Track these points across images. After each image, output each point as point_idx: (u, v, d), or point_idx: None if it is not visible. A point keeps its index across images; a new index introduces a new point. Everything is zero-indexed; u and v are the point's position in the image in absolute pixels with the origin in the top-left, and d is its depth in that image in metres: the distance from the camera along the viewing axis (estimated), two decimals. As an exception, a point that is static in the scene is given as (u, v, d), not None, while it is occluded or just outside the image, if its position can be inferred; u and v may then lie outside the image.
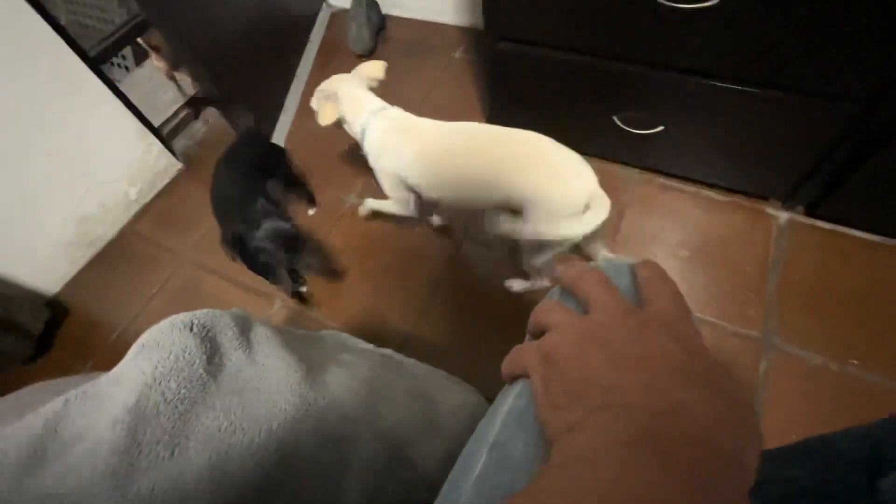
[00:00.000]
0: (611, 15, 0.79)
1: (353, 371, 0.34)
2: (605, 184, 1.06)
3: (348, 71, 0.94)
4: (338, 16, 1.63)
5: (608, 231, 0.98)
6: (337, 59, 1.50)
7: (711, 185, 1.02)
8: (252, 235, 0.79)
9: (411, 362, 0.44)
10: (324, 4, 1.61)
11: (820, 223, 0.95)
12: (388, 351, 0.46)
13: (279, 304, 1.04)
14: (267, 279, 0.90)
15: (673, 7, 0.71)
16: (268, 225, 0.79)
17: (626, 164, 1.08)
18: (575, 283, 0.26)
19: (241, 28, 1.27)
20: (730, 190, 1.00)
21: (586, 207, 0.72)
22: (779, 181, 0.92)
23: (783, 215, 0.97)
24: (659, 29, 0.76)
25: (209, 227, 1.17)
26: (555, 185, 0.72)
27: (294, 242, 0.82)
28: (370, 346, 0.47)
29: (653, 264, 0.27)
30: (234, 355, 0.30)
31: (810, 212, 0.95)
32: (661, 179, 1.05)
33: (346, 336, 0.49)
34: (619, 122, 0.95)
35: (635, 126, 0.94)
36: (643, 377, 0.20)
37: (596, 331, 0.22)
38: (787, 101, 0.78)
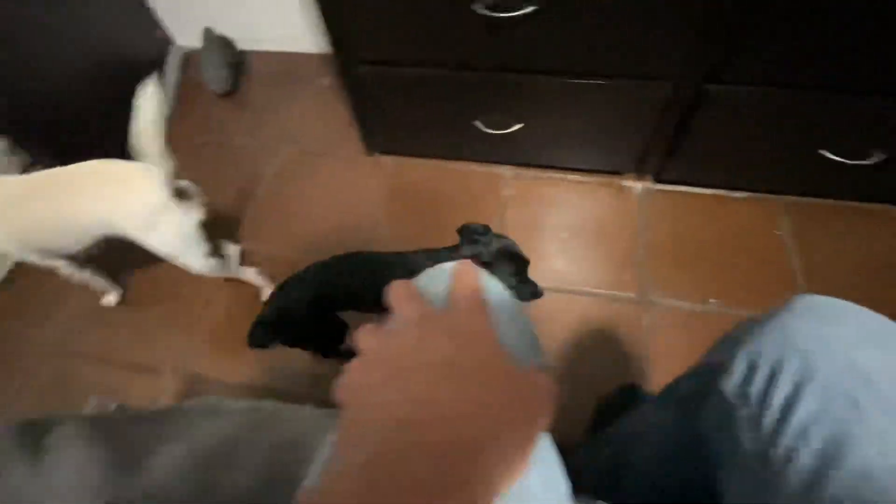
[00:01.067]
0: (444, 29, 0.84)
1: (193, 445, 0.31)
2: (485, 185, 1.13)
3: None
4: (193, 56, 1.54)
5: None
6: (201, 101, 1.43)
7: (575, 170, 1.11)
8: None
9: (291, 409, 0.43)
10: (171, 47, 1.52)
11: (668, 187, 1.07)
12: (267, 403, 0.44)
13: (169, 376, 0.95)
14: None
15: (492, 16, 0.77)
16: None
17: (498, 163, 1.15)
18: (389, 299, 0.27)
19: (76, 81, 1.16)
20: (590, 171, 1.10)
21: (178, 201, 0.78)
22: (626, 157, 1.04)
23: (638, 186, 1.08)
24: (489, 36, 0.82)
25: (75, 307, 1.04)
26: (127, 197, 0.76)
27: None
28: (243, 405, 0.44)
29: (463, 266, 0.28)
30: (13, 470, 0.27)
31: (658, 179, 1.08)
32: (533, 172, 1.13)
33: (216, 399, 0.45)
34: (482, 126, 1.01)
35: (497, 127, 1.00)
36: (409, 387, 0.21)
37: (382, 350, 0.23)
38: (613, 87, 0.87)
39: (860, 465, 0.24)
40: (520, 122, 0.99)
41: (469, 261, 0.29)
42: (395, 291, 0.26)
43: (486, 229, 0.72)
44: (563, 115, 0.97)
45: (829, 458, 0.25)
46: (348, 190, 1.17)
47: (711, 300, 0.91)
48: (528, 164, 1.14)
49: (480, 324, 0.24)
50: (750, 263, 0.95)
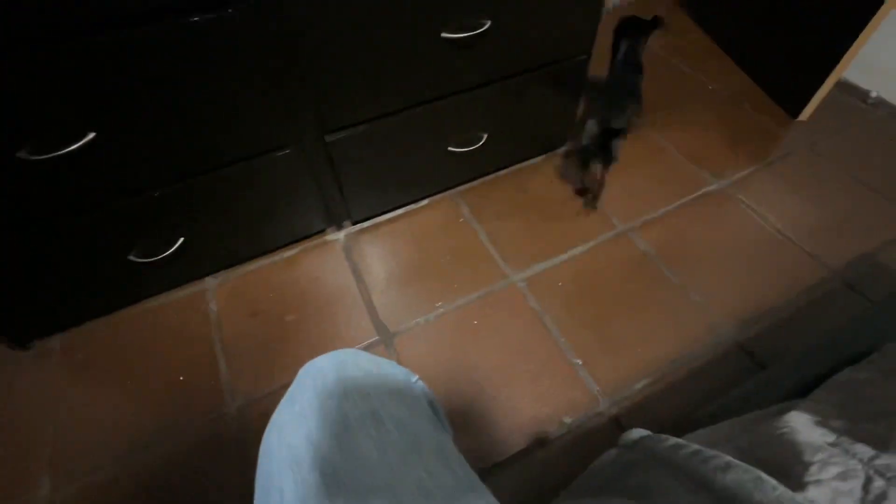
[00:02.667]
0: (409, 65, 0.84)
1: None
2: (185, 311, 0.96)
3: None
4: None
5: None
6: None
7: (275, 249, 1.08)
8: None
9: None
10: None
11: (367, 224, 1.13)
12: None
13: None
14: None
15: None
16: None
17: (191, 280, 1.03)
18: None
19: None
20: (291, 243, 1.09)
21: None
22: (315, 216, 1.05)
23: (340, 235, 1.11)
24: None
25: None
26: None
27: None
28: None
29: None
30: None
31: (355, 221, 1.13)
32: (235, 270, 1.05)
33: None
34: (138, 258, 0.88)
35: (158, 252, 0.89)
36: None
37: None
38: (253, 167, 0.87)
39: None
40: (181, 236, 0.90)
41: None
42: None
43: None
44: (226, 209, 0.92)
45: None
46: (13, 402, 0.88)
47: (438, 304, 0.98)
48: (227, 266, 1.05)
49: None
50: (455, 257, 1.07)
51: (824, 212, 1.11)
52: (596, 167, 1.08)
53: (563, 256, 1.05)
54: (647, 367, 0.88)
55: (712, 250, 1.05)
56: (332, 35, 0.75)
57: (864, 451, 0.23)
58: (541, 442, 0.80)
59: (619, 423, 0.82)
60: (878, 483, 0.21)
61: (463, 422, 0.83)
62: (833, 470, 0.22)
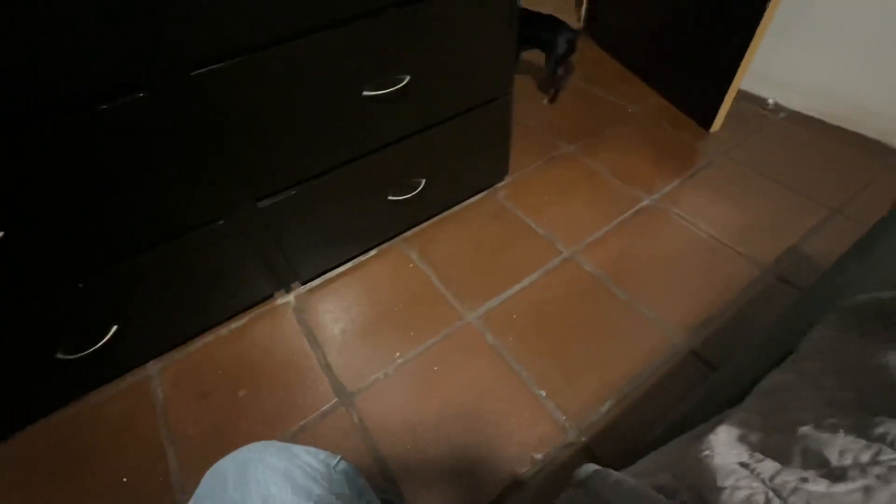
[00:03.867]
0: (334, 125, 0.86)
1: None
2: (129, 401, 0.88)
3: None
4: None
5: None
6: None
7: (223, 321, 1.04)
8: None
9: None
10: None
11: (316, 282, 1.11)
12: None
13: None
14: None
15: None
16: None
17: (133, 368, 0.97)
18: None
19: None
20: (240, 312, 1.05)
21: None
22: (261, 283, 1.02)
23: (290, 298, 1.09)
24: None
25: None
26: None
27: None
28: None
29: None
30: None
31: (304, 281, 1.11)
32: (180, 351, 1.00)
33: None
34: (66, 356, 0.82)
35: (89, 344, 0.84)
36: None
37: None
38: (185, 244, 0.84)
39: None
40: (114, 325, 0.85)
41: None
42: None
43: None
44: (162, 289, 0.88)
45: None
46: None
47: (396, 355, 0.96)
48: (170, 347, 1.00)
49: None
50: (410, 303, 1.06)
51: (748, 212, 1.19)
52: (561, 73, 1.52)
53: (516, 288, 1.06)
54: (609, 388, 0.88)
55: (654, 263, 1.10)
56: (251, 106, 0.75)
57: (768, 468, 0.24)
58: (516, 484, 0.78)
59: (590, 451, 0.81)
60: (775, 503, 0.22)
61: (434, 474, 0.80)
62: (739, 495, 0.23)
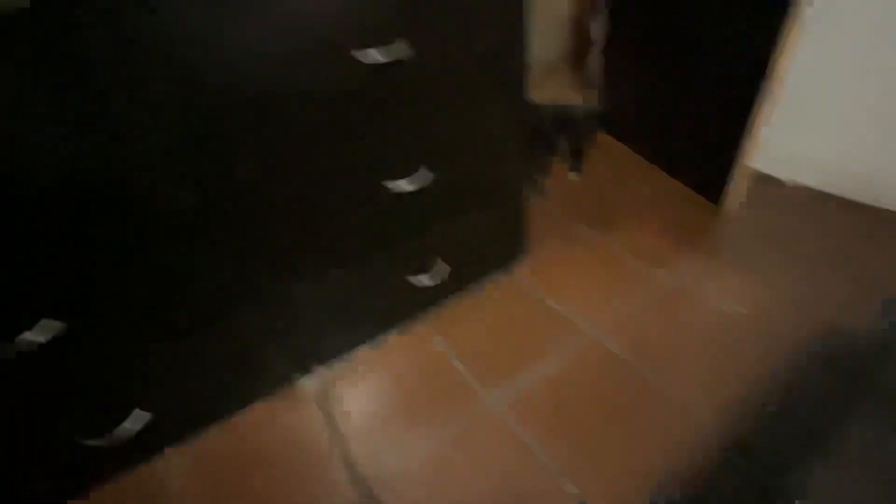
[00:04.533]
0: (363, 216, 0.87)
1: None
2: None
3: None
4: None
5: None
6: None
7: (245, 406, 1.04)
8: None
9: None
10: None
11: (338, 365, 1.11)
12: None
13: None
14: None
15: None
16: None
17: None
18: None
19: None
20: (261, 397, 1.05)
21: None
22: (285, 366, 1.03)
23: (312, 380, 1.08)
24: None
25: None
26: None
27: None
28: None
29: None
30: None
31: (324, 362, 1.11)
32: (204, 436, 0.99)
33: None
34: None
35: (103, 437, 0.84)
36: None
37: None
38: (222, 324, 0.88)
39: None
40: (138, 407, 0.86)
41: None
42: None
43: None
44: (194, 374, 0.90)
45: None
46: None
47: (419, 442, 0.92)
48: (187, 436, 0.99)
49: None
50: (431, 386, 1.04)
51: (774, 289, 1.16)
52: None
53: (540, 372, 1.04)
54: (644, 481, 0.82)
55: (682, 343, 1.06)
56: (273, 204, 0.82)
57: None
58: None
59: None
60: None
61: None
62: None
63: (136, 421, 0.85)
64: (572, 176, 1.61)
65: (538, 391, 0.99)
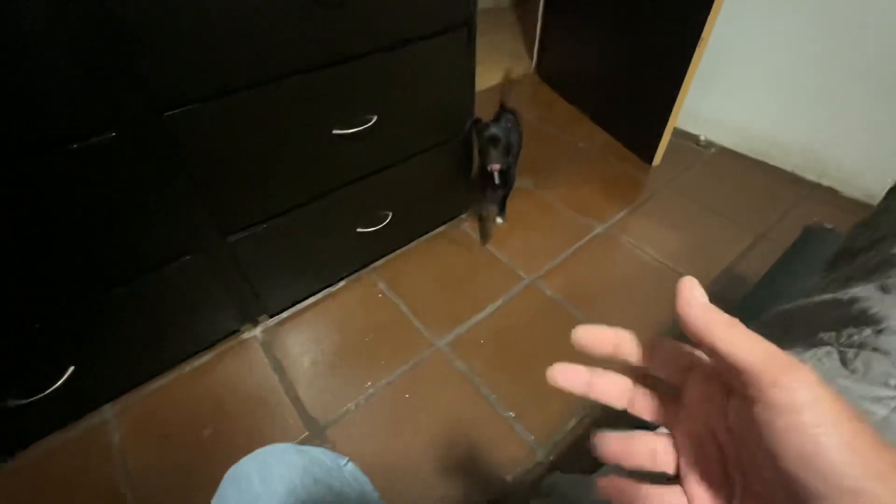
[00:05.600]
0: (305, 162, 0.89)
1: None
2: (82, 450, 0.84)
3: None
4: None
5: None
6: None
7: (183, 360, 1.01)
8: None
9: None
10: None
11: (284, 314, 1.11)
12: None
13: None
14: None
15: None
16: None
17: (88, 412, 0.93)
18: None
19: None
20: (202, 350, 1.03)
21: None
22: (229, 318, 1.02)
23: (257, 332, 1.08)
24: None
25: None
26: None
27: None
28: None
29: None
30: None
31: (271, 314, 1.11)
32: (137, 393, 0.96)
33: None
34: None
35: (37, 391, 0.80)
36: None
37: None
38: (160, 281, 0.84)
39: None
40: (71, 365, 0.82)
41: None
42: None
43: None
44: (126, 326, 0.86)
45: None
46: None
47: (367, 385, 0.97)
48: (128, 389, 0.96)
49: None
50: (379, 333, 1.07)
51: (687, 238, 1.31)
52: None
53: (481, 315, 1.11)
54: (572, 406, 0.93)
55: (609, 286, 1.18)
56: (222, 146, 0.78)
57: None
58: (488, 506, 0.80)
59: (557, 468, 0.84)
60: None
61: (409, 503, 0.80)
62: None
63: (71, 376, 0.82)
64: (500, 221, 1.36)
65: (481, 333, 1.07)
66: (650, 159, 1.58)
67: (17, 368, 0.77)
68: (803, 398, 0.16)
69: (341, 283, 1.19)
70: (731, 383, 0.19)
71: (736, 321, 0.19)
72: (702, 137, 1.68)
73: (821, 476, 0.15)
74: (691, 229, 1.33)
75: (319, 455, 0.44)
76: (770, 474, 0.17)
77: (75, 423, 0.92)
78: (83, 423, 0.92)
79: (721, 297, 1.13)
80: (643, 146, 1.60)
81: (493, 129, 1.11)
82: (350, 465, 0.47)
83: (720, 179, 1.52)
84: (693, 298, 0.21)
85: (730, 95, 1.57)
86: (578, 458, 0.85)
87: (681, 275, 1.09)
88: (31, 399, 0.79)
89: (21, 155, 0.61)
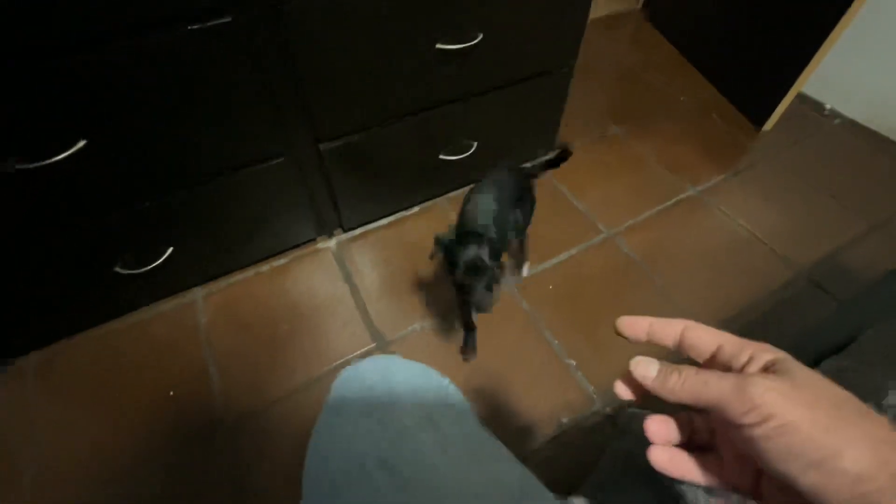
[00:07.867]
0: (405, 75, 0.86)
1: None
2: (173, 324, 0.95)
3: None
4: None
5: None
6: None
7: (266, 258, 1.06)
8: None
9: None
10: None
11: (358, 231, 1.13)
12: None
13: None
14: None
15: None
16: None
17: (177, 292, 1.01)
18: None
19: None
20: (281, 252, 1.08)
21: None
22: (306, 225, 1.04)
23: (332, 243, 1.11)
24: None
25: None
26: None
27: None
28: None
29: None
30: None
31: (346, 229, 1.13)
32: (224, 281, 1.03)
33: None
34: (122, 269, 0.86)
35: (143, 264, 0.87)
36: None
37: None
38: (243, 178, 0.86)
39: None
40: (170, 247, 0.88)
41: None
42: None
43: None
44: (218, 219, 0.90)
45: None
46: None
47: (433, 310, 0.99)
48: (215, 277, 1.03)
49: None
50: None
51: (789, 216, 1.19)
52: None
53: (553, 261, 1.08)
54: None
55: (691, 253, 1.11)
56: (329, 45, 0.75)
57: None
58: (541, 441, 0.82)
59: (614, 421, 0.85)
60: None
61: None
62: None
63: (169, 256, 0.88)
64: (524, 272, 1.05)
65: (551, 279, 1.05)
66: (760, 123, 1.41)
67: (127, 241, 0.84)
68: (769, 410, 0.21)
69: (415, 209, 1.18)
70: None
71: (688, 373, 0.25)
72: (827, 106, 1.48)
73: (803, 461, 0.20)
74: (795, 206, 1.21)
75: (430, 371, 0.44)
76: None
77: (168, 300, 1.00)
78: (176, 300, 1.00)
79: (819, 284, 1.04)
80: (755, 107, 1.43)
81: (472, 249, 0.71)
82: (451, 385, 0.46)
83: (839, 156, 1.35)
84: (644, 379, 0.27)
85: (875, 63, 1.35)
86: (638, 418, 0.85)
87: (775, 253, 1.00)
88: (137, 271, 0.86)
89: (140, 31, 0.62)
